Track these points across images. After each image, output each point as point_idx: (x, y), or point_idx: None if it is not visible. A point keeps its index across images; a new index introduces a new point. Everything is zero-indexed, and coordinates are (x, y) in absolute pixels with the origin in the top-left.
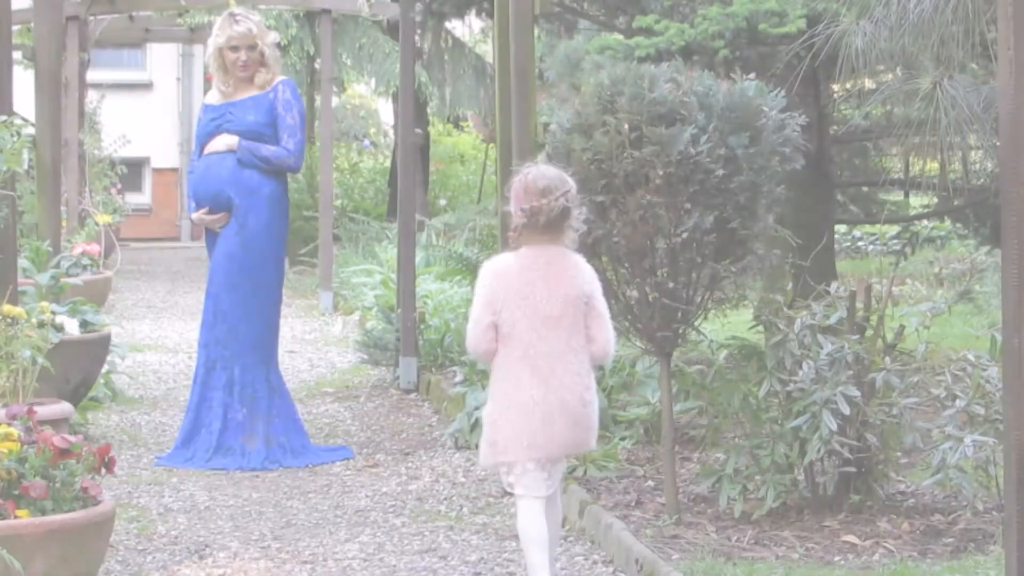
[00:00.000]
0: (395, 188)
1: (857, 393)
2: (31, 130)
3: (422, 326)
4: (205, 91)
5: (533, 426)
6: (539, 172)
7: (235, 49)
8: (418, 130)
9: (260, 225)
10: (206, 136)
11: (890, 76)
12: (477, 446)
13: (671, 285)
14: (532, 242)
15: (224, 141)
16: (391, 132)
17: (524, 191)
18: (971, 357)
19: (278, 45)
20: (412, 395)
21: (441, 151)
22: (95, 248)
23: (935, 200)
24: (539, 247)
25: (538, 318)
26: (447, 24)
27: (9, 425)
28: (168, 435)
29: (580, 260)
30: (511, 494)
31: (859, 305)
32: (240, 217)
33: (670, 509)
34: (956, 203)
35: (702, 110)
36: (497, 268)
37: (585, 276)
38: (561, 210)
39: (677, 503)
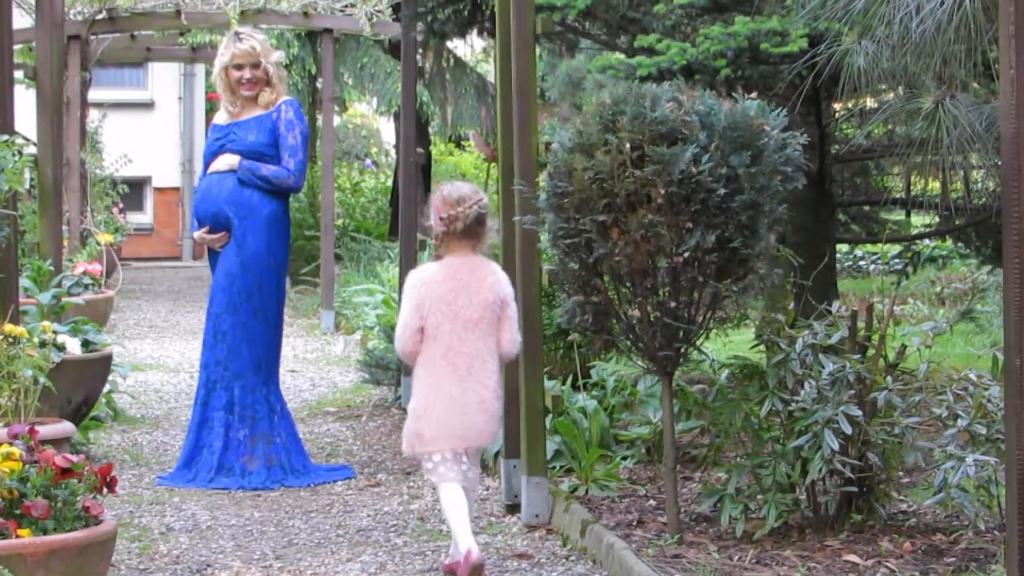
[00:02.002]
0: (397, 207)
1: (859, 412)
2: (32, 149)
3: None
4: (207, 110)
5: (454, 419)
6: (454, 186)
7: (239, 67)
8: (420, 149)
9: (259, 245)
10: (211, 155)
11: (892, 95)
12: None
13: (673, 304)
14: (454, 251)
15: (226, 161)
16: (393, 151)
17: (442, 203)
18: (973, 376)
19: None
20: None
21: (443, 170)
22: (97, 267)
23: (937, 219)
24: (460, 256)
25: (459, 322)
26: (449, 43)
27: (11, 444)
28: (170, 454)
29: (496, 268)
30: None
31: (861, 324)
32: (239, 237)
33: (672, 528)
34: (958, 222)
35: (704, 129)
36: (424, 277)
37: (501, 283)
38: (476, 216)
39: (679, 522)
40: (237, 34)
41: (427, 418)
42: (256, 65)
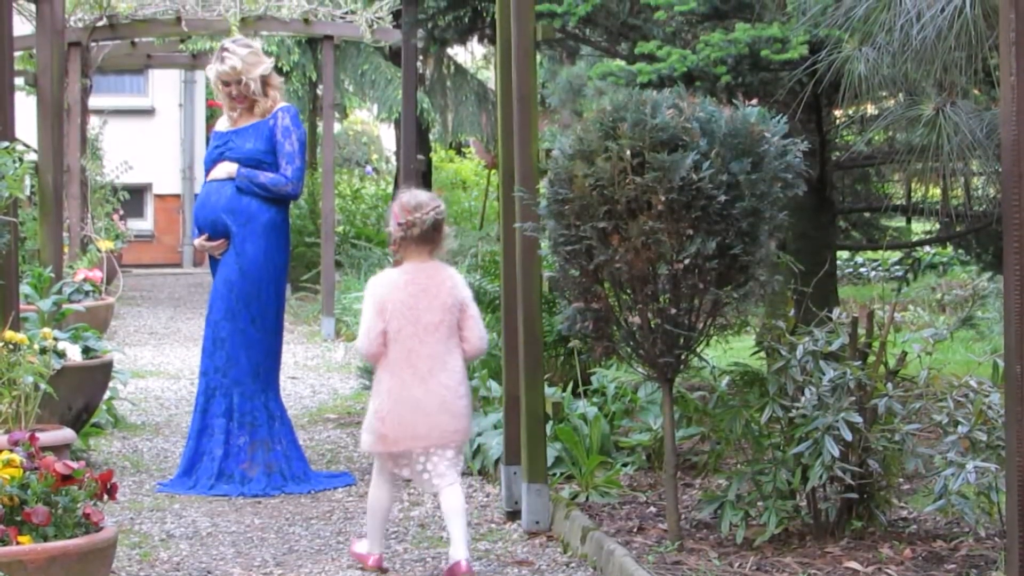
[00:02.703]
0: None
1: (859, 419)
2: (33, 156)
3: None
4: (208, 117)
5: (417, 420)
6: (412, 194)
7: (225, 84)
8: (420, 156)
9: (258, 252)
10: (211, 162)
11: (892, 102)
12: (479, 472)
13: (673, 311)
14: (412, 257)
15: (224, 169)
16: (393, 158)
17: (400, 209)
18: (973, 383)
19: (280, 71)
20: None
21: (443, 177)
22: (97, 274)
23: (937, 226)
24: (419, 262)
25: (420, 325)
26: (449, 50)
27: (11, 451)
28: (170, 461)
29: (453, 272)
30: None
31: (861, 331)
32: (238, 244)
33: (672, 535)
34: (958, 229)
35: (704, 136)
36: (385, 282)
37: (459, 286)
38: (433, 222)
39: (679, 529)
40: (223, 49)
41: (391, 419)
42: (239, 81)
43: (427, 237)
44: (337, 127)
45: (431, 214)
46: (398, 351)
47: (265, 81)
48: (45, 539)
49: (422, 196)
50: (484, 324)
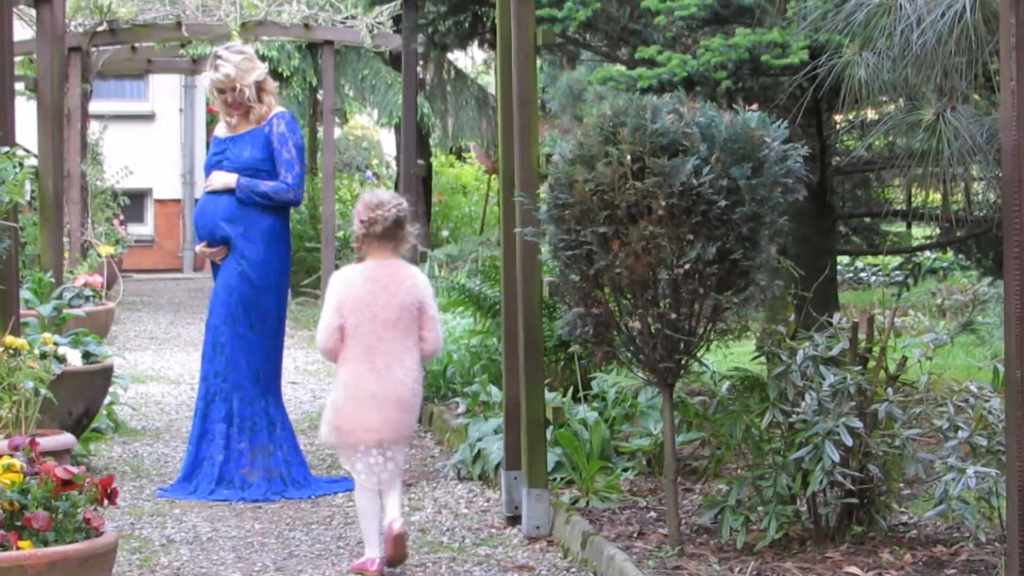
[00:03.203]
0: None
1: (859, 424)
2: (33, 161)
3: None
4: (208, 122)
5: (372, 415)
6: (375, 193)
7: (220, 92)
8: (420, 161)
9: (258, 258)
10: (210, 169)
11: (892, 107)
12: (480, 477)
13: (673, 316)
14: (374, 254)
15: (222, 180)
16: (393, 163)
17: (363, 207)
18: (973, 388)
19: (280, 76)
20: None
21: (443, 182)
22: (97, 279)
23: (937, 231)
24: (381, 259)
25: (378, 322)
26: (449, 55)
27: (11, 456)
28: (170, 466)
29: (415, 271)
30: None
31: (861, 336)
32: (237, 251)
33: (672, 540)
34: (958, 234)
35: (704, 141)
36: (345, 278)
37: (419, 285)
38: (394, 219)
39: (679, 534)
40: (216, 57)
41: (346, 413)
42: (234, 88)
43: (389, 234)
44: (337, 132)
45: (392, 211)
46: (356, 346)
47: (260, 87)
48: (45, 544)
49: (384, 195)
50: (442, 327)
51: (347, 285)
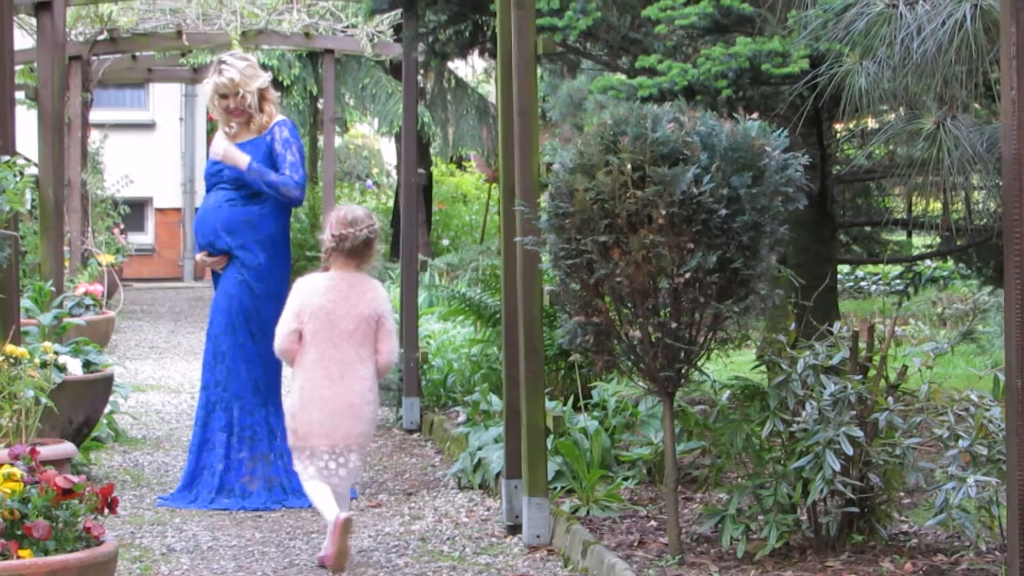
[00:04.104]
0: (398, 228)
1: (860, 433)
2: (34, 170)
3: (425, 366)
4: (208, 131)
5: (324, 420)
6: (350, 208)
7: (223, 97)
8: (421, 170)
9: (259, 267)
10: (210, 177)
11: (893, 116)
12: (480, 486)
13: (674, 325)
14: (340, 266)
15: (233, 156)
16: (394, 172)
17: (337, 222)
18: (974, 397)
19: (280, 85)
20: (415, 435)
21: (444, 191)
22: (98, 288)
23: (938, 240)
24: (345, 271)
25: (335, 331)
26: (450, 64)
27: (12, 465)
28: (171, 475)
29: (377, 285)
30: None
31: (862, 345)
32: (238, 260)
33: (673, 549)
34: (959, 243)
35: (705, 150)
36: (308, 286)
37: (378, 299)
38: (364, 239)
39: (680, 543)
40: (220, 62)
41: (300, 417)
42: (237, 94)
43: (356, 252)
44: (338, 141)
45: (364, 231)
46: (313, 353)
47: (262, 95)
48: (46, 553)
49: (359, 212)
50: (397, 341)
51: (309, 293)
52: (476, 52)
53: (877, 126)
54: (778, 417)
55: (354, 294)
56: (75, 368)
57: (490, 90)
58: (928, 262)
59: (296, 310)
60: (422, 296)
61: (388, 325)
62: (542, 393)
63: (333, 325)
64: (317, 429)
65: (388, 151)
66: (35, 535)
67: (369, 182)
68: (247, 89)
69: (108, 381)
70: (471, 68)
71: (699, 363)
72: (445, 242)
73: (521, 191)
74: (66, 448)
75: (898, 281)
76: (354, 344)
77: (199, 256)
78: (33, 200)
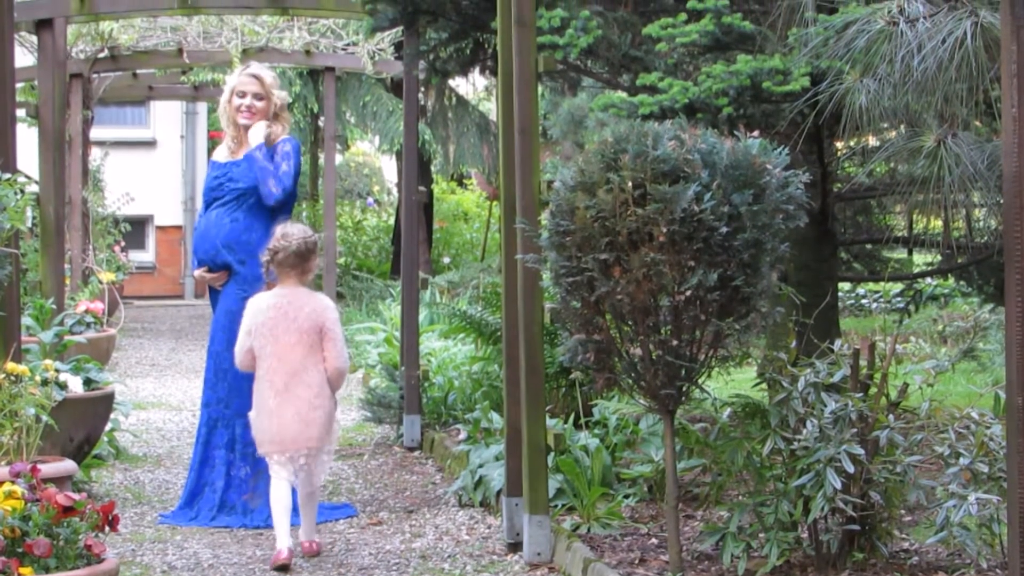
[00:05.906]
0: (399, 246)
1: (861, 451)
2: (35, 188)
3: (425, 384)
4: (209, 149)
5: (272, 427)
6: (287, 225)
7: (242, 95)
8: (422, 188)
9: (260, 282)
10: (209, 192)
11: (894, 134)
12: (481, 504)
13: (675, 343)
14: (282, 281)
15: (256, 134)
16: (395, 189)
17: (273, 239)
18: (975, 415)
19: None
20: (416, 453)
21: (445, 209)
22: (99, 306)
23: (939, 258)
24: (288, 287)
25: (279, 345)
26: (451, 82)
27: (13, 483)
28: (172, 493)
29: (320, 299)
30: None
31: (863, 363)
32: (239, 276)
33: (674, 567)
34: (960, 261)
35: (706, 168)
36: (256, 305)
37: (319, 312)
38: (295, 250)
39: (681, 560)
40: (248, 64)
41: (255, 426)
42: (259, 96)
43: (291, 263)
44: (339, 159)
45: (294, 242)
46: (262, 366)
47: (277, 112)
48: (47, 571)
49: (294, 228)
50: (345, 348)
51: (255, 312)
52: (477, 70)
53: (878, 144)
54: (779, 435)
55: (293, 309)
56: (76, 386)
57: (491, 108)
58: (929, 280)
59: (247, 328)
60: (423, 314)
61: (332, 335)
62: (543, 411)
63: (276, 340)
64: (267, 437)
65: (389, 169)
66: (36, 553)
67: (370, 200)
68: (269, 92)
69: (109, 399)
70: (472, 86)
71: (700, 381)
72: (446, 260)
73: (522, 209)
74: (67, 466)
75: (899, 299)
76: (299, 356)
77: (198, 272)
78: (34, 218)
